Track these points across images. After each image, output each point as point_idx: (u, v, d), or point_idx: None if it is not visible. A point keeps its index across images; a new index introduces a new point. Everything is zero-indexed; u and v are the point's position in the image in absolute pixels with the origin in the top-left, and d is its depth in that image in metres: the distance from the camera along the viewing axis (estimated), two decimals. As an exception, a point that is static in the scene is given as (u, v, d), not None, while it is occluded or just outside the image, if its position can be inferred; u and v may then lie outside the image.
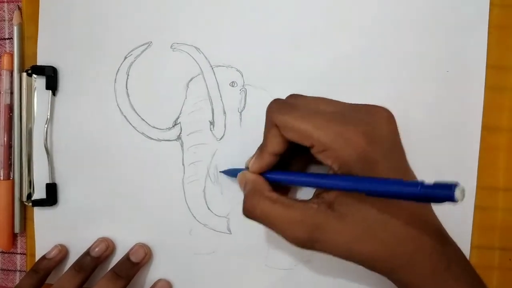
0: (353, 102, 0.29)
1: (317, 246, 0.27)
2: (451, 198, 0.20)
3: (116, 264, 0.37)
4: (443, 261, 0.26)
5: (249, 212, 0.29)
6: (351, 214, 0.26)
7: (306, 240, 0.27)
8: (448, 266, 0.26)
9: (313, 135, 0.26)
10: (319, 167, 0.34)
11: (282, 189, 0.31)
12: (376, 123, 0.27)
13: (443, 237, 0.28)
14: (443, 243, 0.27)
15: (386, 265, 0.26)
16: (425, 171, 0.35)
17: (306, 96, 0.31)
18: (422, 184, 0.21)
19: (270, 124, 0.29)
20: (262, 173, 0.31)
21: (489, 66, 0.35)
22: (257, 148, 0.32)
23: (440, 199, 0.20)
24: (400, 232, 0.26)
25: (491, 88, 0.35)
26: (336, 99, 0.30)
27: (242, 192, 0.31)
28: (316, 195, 0.29)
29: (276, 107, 0.29)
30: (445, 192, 0.20)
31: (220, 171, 0.37)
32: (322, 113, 0.28)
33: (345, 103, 0.29)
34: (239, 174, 0.32)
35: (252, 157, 0.32)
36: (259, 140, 0.36)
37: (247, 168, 0.32)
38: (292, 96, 0.31)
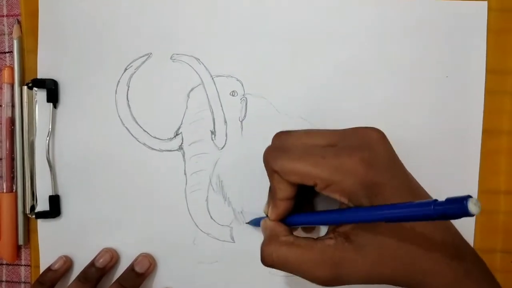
0: (340, 128, 0.29)
1: (342, 281, 0.27)
2: (465, 213, 0.19)
3: (121, 275, 0.37)
4: (463, 268, 0.26)
5: (266, 260, 0.29)
6: (368, 243, 0.26)
7: (329, 279, 0.27)
8: (468, 272, 0.26)
9: (312, 173, 0.26)
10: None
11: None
12: (369, 146, 0.27)
13: (460, 244, 0.27)
14: (460, 250, 0.27)
15: (408, 281, 0.26)
16: (427, 176, 0.36)
17: (295, 132, 0.30)
18: (434, 203, 0.21)
19: (271, 171, 0.29)
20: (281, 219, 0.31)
21: (488, 71, 0.35)
22: (267, 194, 0.33)
23: (455, 216, 0.20)
24: (417, 250, 0.26)
25: (491, 92, 0.36)
26: (322, 128, 0.30)
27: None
28: (331, 230, 0.29)
29: (271, 154, 0.29)
30: (458, 207, 0.19)
31: (246, 223, 0.37)
32: (315, 148, 0.28)
33: (334, 131, 0.29)
34: (261, 222, 0.32)
35: (266, 204, 0.32)
36: (261, 148, 0.37)
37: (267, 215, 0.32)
38: (280, 137, 0.30)
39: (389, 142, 0.28)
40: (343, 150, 0.27)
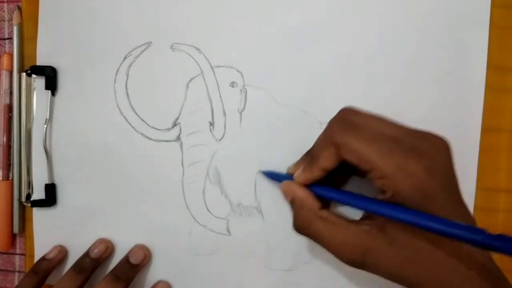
0: (411, 127, 0.29)
1: (367, 268, 0.27)
2: None
3: (115, 266, 0.37)
4: None
5: (302, 229, 0.30)
6: (402, 239, 0.26)
7: (357, 262, 0.27)
8: None
9: (374, 161, 0.26)
10: (359, 183, 0.34)
11: (323, 201, 0.31)
12: (435, 155, 0.27)
13: (493, 273, 0.27)
14: (493, 280, 0.26)
15: None
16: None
17: (364, 113, 0.29)
18: (485, 234, 0.21)
19: (330, 141, 0.28)
20: (308, 185, 0.31)
21: (490, 67, 0.35)
22: (303, 155, 0.33)
23: (504, 252, 0.20)
24: (449, 262, 0.26)
25: (491, 89, 0.35)
26: (390, 117, 0.29)
27: (286, 201, 0.32)
28: (367, 216, 0.29)
29: (338, 126, 0.28)
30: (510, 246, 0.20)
31: (260, 170, 0.36)
32: (384, 138, 0.27)
33: (403, 126, 0.28)
34: (284, 184, 0.32)
35: (297, 164, 0.32)
36: (259, 141, 0.37)
37: (288, 175, 0.33)
38: (350, 112, 0.29)
39: (452, 154, 0.28)
40: (411, 151, 0.26)
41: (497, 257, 0.36)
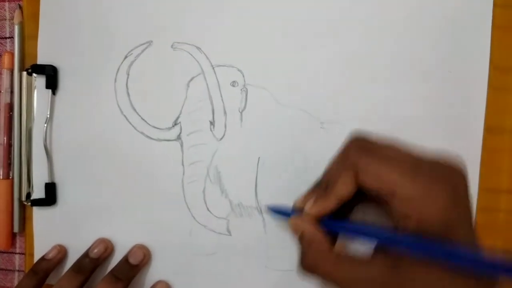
0: (427, 152, 0.27)
1: None
2: None
3: (115, 266, 0.37)
4: None
5: (310, 269, 0.28)
6: (419, 275, 0.24)
7: None
8: None
9: (398, 184, 0.24)
10: (367, 211, 0.31)
11: (331, 233, 0.29)
12: (456, 182, 0.25)
13: None
14: None
15: None
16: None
17: (379, 137, 0.28)
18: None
19: (348, 164, 0.26)
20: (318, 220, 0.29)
21: (492, 67, 0.35)
22: (311, 187, 0.30)
23: None
24: None
25: (494, 89, 0.35)
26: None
27: (296, 238, 0.30)
28: (379, 249, 0.27)
29: (355, 149, 0.27)
30: None
31: (267, 206, 0.36)
32: (405, 161, 0.25)
33: (419, 151, 0.27)
34: (292, 220, 0.30)
35: (306, 197, 0.30)
36: (260, 140, 0.36)
37: (295, 209, 0.30)
38: (364, 136, 0.28)
39: (468, 183, 0.26)
40: (435, 177, 0.25)
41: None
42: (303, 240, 0.29)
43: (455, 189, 0.25)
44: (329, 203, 0.28)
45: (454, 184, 0.25)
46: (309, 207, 0.29)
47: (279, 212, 0.34)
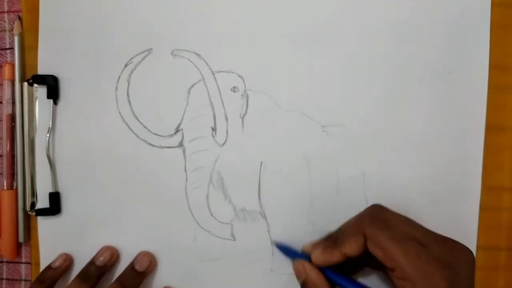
0: (437, 233, 0.29)
1: None
2: None
3: (121, 274, 0.37)
4: None
5: None
6: None
7: None
8: None
9: (399, 261, 0.27)
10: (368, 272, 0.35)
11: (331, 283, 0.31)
12: (459, 266, 0.27)
13: None
14: None
15: None
16: (430, 172, 0.36)
17: (394, 212, 0.31)
18: None
19: (360, 232, 0.29)
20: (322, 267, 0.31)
21: (492, 66, 0.35)
22: (323, 237, 0.33)
23: None
24: None
25: (494, 88, 0.35)
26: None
27: (297, 281, 0.32)
28: None
29: (369, 219, 0.30)
30: None
31: (276, 243, 0.37)
32: (412, 240, 0.28)
33: (430, 231, 0.29)
34: (299, 264, 0.32)
35: (315, 245, 0.32)
36: (262, 145, 0.37)
37: (304, 254, 0.33)
38: (381, 210, 0.31)
39: (474, 265, 0.28)
40: (437, 259, 0.27)
41: (501, 255, 0.36)
42: (306, 286, 0.31)
43: (456, 273, 0.27)
44: (335, 257, 0.30)
45: (456, 268, 0.27)
46: (316, 255, 0.31)
47: (286, 251, 0.35)
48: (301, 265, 0.32)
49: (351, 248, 0.29)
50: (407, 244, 0.27)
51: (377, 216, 0.30)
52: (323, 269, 0.31)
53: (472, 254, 0.29)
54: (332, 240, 0.31)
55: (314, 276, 0.31)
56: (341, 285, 0.31)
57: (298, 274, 0.32)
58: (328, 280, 0.31)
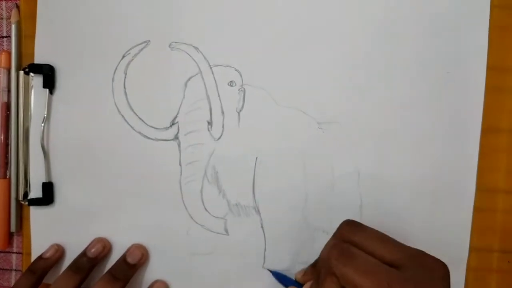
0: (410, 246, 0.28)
1: None
2: None
3: (112, 266, 0.37)
4: None
5: None
6: None
7: None
8: None
9: None
10: None
11: None
12: (435, 283, 0.26)
13: None
14: None
15: None
16: (425, 172, 0.36)
17: (365, 232, 0.29)
18: None
19: (329, 272, 0.28)
20: None
21: (489, 67, 0.35)
22: (310, 265, 0.35)
23: None
24: None
25: (491, 89, 0.35)
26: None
27: None
28: None
29: (337, 255, 0.28)
30: None
31: (269, 269, 0.37)
32: (383, 267, 0.27)
33: (404, 249, 0.28)
34: None
35: (304, 275, 0.34)
36: (257, 140, 0.37)
37: (295, 283, 0.35)
38: (349, 233, 0.30)
39: (449, 281, 0.27)
40: (408, 281, 0.26)
41: (494, 257, 0.36)
42: None
43: None
44: None
45: (428, 284, 0.26)
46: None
47: (280, 278, 0.36)
48: None
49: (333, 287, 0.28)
50: (376, 275, 0.26)
51: (342, 247, 0.28)
52: None
53: (447, 269, 0.27)
54: (316, 273, 0.30)
55: None
56: None
57: None
58: None
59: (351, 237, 0.29)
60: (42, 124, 0.38)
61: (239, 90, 0.37)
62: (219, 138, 0.37)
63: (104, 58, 0.38)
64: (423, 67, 0.35)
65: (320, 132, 0.36)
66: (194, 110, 0.37)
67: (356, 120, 0.36)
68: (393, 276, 0.26)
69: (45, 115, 0.38)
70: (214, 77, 0.37)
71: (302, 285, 0.33)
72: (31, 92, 0.39)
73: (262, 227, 0.37)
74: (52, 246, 0.39)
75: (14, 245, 0.41)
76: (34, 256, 0.39)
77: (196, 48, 0.37)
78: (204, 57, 0.37)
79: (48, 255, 0.38)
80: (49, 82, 0.38)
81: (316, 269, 0.31)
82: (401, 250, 0.28)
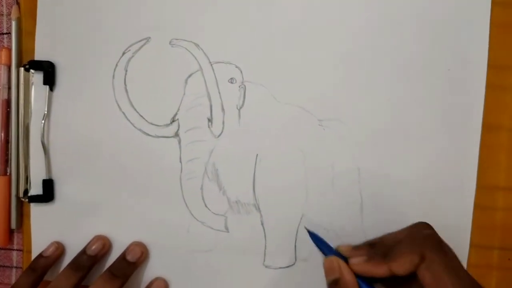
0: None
1: None
2: None
3: (112, 264, 0.37)
4: None
5: None
6: None
7: None
8: None
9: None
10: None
11: None
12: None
13: None
14: None
15: None
16: (425, 169, 0.36)
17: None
18: None
19: (417, 251, 0.27)
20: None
21: (490, 65, 0.35)
22: (368, 242, 0.31)
23: None
24: None
25: (492, 87, 0.35)
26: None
27: (325, 276, 0.30)
28: None
29: (436, 243, 0.28)
30: None
31: (310, 232, 0.34)
32: (464, 271, 0.27)
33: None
34: (334, 261, 0.30)
35: (356, 250, 0.30)
36: (258, 137, 0.36)
37: (337, 252, 0.31)
38: (435, 232, 0.29)
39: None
40: None
41: (494, 254, 0.36)
42: (336, 285, 0.29)
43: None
44: (380, 271, 0.28)
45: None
46: (358, 262, 0.29)
47: (319, 242, 0.33)
48: (336, 263, 0.30)
49: (403, 267, 0.27)
50: (461, 277, 0.26)
51: (439, 240, 0.28)
52: (359, 278, 0.29)
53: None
54: (379, 251, 0.29)
55: (349, 278, 0.29)
56: None
57: (330, 271, 0.30)
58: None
59: (442, 240, 0.29)
60: (43, 121, 0.38)
61: (239, 87, 0.37)
62: (219, 135, 0.37)
63: (105, 55, 0.38)
64: (424, 65, 0.35)
65: (321, 129, 0.36)
66: (194, 107, 0.37)
67: (356, 117, 0.36)
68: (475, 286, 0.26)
69: (46, 112, 0.38)
70: (214, 74, 0.37)
71: (344, 257, 0.30)
72: (31, 89, 0.39)
73: (262, 224, 0.37)
74: (52, 243, 0.39)
75: (15, 242, 0.41)
76: (34, 253, 0.39)
77: (197, 45, 0.37)
78: (205, 54, 0.37)
79: (48, 253, 0.38)
80: (50, 79, 0.38)
81: (374, 248, 0.30)
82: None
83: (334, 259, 0.30)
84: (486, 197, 0.36)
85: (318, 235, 0.33)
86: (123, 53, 0.38)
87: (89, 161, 0.39)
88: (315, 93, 0.36)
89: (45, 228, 0.39)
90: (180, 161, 0.37)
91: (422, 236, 0.29)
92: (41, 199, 0.39)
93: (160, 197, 0.38)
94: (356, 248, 0.31)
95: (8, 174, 0.39)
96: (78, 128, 0.38)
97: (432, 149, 0.36)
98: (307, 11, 0.36)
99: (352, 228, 0.36)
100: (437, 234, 0.29)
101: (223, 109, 0.37)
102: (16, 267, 0.41)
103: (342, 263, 0.30)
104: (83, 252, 0.37)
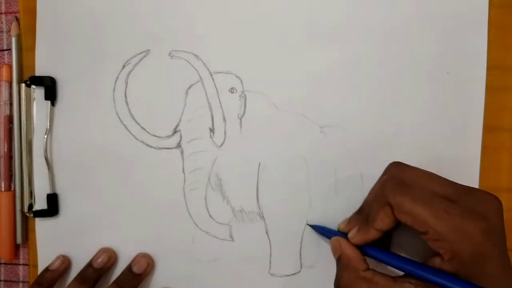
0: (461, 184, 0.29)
1: None
2: None
3: (118, 276, 0.37)
4: None
5: None
6: None
7: None
8: None
9: (430, 223, 0.26)
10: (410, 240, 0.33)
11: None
12: (490, 215, 0.26)
13: None
14: None
15: None
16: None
17: (416, 169, 0.30)
18: None
19: (384, 202, 0.28)
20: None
21: (489, 67, 0.35)
22: (354, 213, 0.33)
23: None
24: None
25: (492, 89, 0.35)
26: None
27: (333, 257, 0.32)
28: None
29: (391, 186, 0.28)
30: None
31: (308, 224, 0.36)
32: (438, 198, 0.27)
33: (454, 184, 0.28)
34: (334, 240, 0.32)
35: (349, 223, 0.32)
36: (260, 146, 0.37)
37: (339, 231, 0.33)
38: (401, 169, 0.30)
39: (503, 213, 0.27)
40: (467, 213, 0.26)
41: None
42: (340, 262, 0.31)
43: (489, 223, 0.26)
44: (371, 235, 0.29)
45: (488, 218, 0.26)
46: (352, 235, 0.31)
47: (322, 231, 0.35)
48: (337, 242, 0.31)
49: (383, 223, 0.28)
50: (434, 203, 0.26)
51: (397, 180, 0.29)
52: (363, 247, 0.30)
53: (500, 202, 0.27)
54: (363, 216, 0.31)
55: (349, 251, 0.30)
56: (381, 260, 0.30)
57: (333, 250, 0.32)
58: (367, 255, 0.30)
59: (401, 175, 0.29)
60: (45, 136, 0.38)
61: (240, 96, 0.37)
62: (221, 144, 0.37)
63: (105, 69, 0.38)
64: (424, 69, 0.35)
65: (322, 136, 0.36)
66: (196, 118, 0.37)
67: (358, 123, 0.36)
68: (451, 206, 0.26)
69: (48, 127, 0.38)
70: (215, 84, 0.37)
71: (346, 234, 0.32)
72: (33, 104, 0.39)
73: (267, 232, 0.37)
74: (58, 257, 0.39)
75: (21, 257, 0.41)
76: (40, 267, 0.39)
77: (196, 56, 0.37)
78: (204, 65, 0.37)
79: (54, 267, 0.38)
80: (51, 94, 0.38)
81: (362, 214, 0.32)
82: (452, 185, 0.28)
83: (335, 238, 0.32)
84: (490, 198, 0.35)
85: (319, 225, 0.36)
86: (123, 66, 0.38)
87: (93, 174, 0.39)
88: (315, 100, 0.36)
89: (51, 242, 0.39)
90: (183, 172, 0.37)
91: (382, 184, 0.29)
92: (46, 214, 0.39)
93: (164, 208, 0.38)
94: (349, 221, 0.33)
95: (12, 189, 0.40)
96: (81, 142, 0.39)
97: (434, 153, 0.36)
98: (306, 19, 0.36)
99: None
100: (395, 174, 0.30)
101: (224, 119, 0.37)
102: (22, 282, 0.42)
103: (342, 240, 0.31)
104: (89, 265, 0.38)
